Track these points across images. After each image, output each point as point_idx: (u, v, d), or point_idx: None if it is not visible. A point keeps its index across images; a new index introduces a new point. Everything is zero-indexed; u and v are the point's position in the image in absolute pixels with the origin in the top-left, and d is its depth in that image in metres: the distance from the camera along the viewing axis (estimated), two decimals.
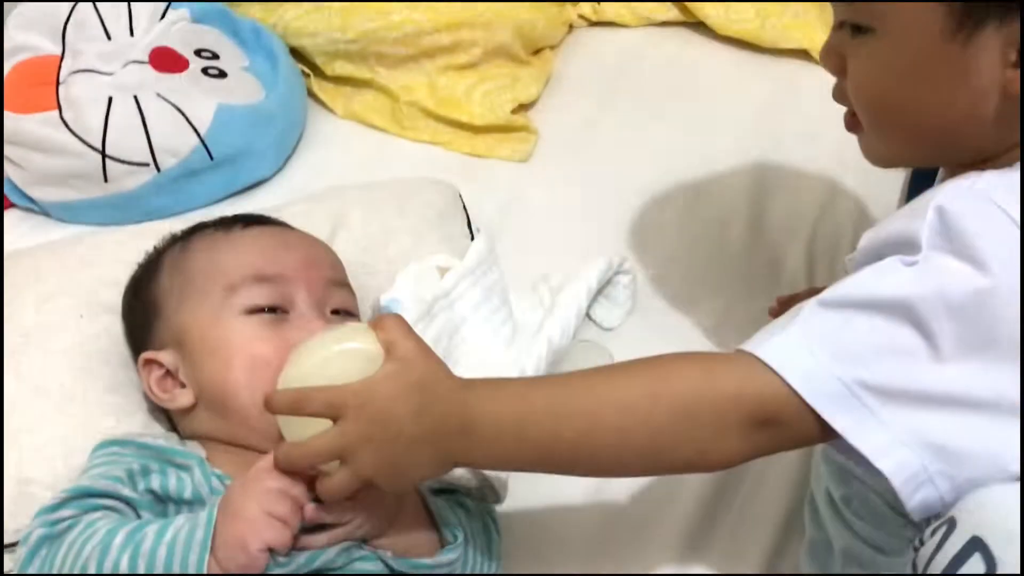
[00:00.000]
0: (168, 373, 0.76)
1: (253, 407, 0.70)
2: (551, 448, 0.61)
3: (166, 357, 0.76)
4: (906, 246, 0.57)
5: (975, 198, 0.57)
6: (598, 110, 1.21)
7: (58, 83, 1.05)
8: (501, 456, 0.62)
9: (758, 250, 1.04)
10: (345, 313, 0.78)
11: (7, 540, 0.74)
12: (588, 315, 0.94)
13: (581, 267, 0.95)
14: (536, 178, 1.13)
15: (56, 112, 1.02)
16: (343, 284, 0.81)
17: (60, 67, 1.07)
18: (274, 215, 0.95)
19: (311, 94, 1.21)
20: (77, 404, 0.79)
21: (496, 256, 0.93)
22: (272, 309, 0.75)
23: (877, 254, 0.59)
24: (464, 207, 1.01)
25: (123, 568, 0.61)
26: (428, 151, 1.16)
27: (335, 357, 0.63)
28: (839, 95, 0.67)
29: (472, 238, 0.97)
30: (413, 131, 1.17)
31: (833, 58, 0.65)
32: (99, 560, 0.62)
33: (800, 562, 0.79)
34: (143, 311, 0.81)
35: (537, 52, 1.27)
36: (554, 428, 0.60)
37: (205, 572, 0.60)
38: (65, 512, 0.65)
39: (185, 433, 0.77)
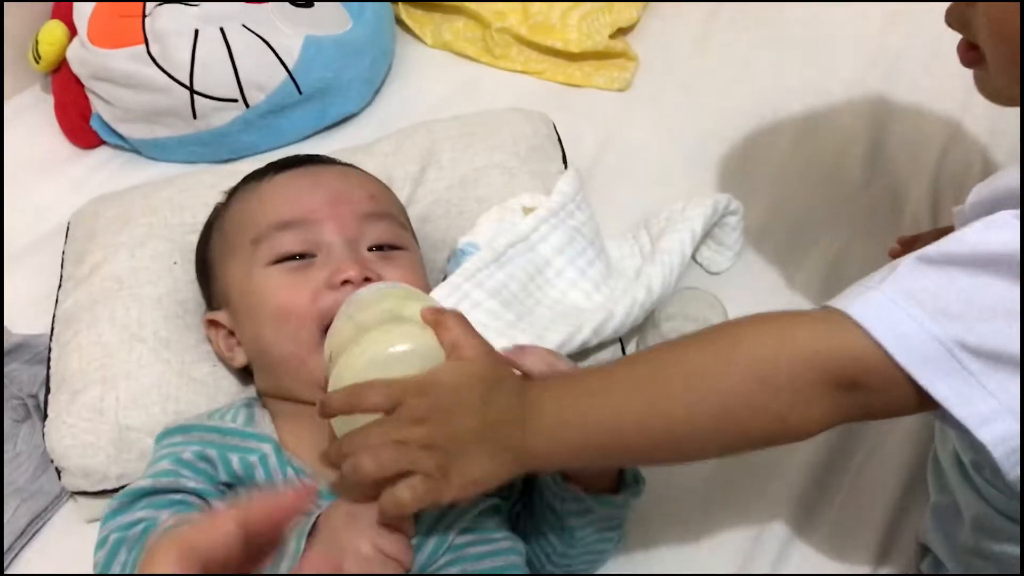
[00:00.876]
0: (231, 332, 0.75)
1: (291, 358, 0.69)
2: (618, 429, 0.56)
3: (223, 317, 0.75)
4: (1019, 201, 0.51)
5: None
6: (701, 32, 1.14)
7: (144, 15, 1.03)
8: (567, 446, 0.57)
9: (877, 184, 0.96)
10: (389, 247, 0.74)
11: (112, 485, 0.74)
12: (694, 258, 0.89)
13: (685, 207, 0.89)
14: (636, 109, 1.07)
15: (143, 47, 1.00)
16: (384, 215, 0.76)
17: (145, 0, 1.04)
18: (361, 154, 0.93)
19: (399, 22, 1.16)
20: (172, 351, 0.78)
21: (584, 195, 0.88)
22: (299, 256, 0.71)
23: (988, 209, 0.52)
24: (559, 140, 0.96)
25: None
26: (521, 81, 1.11)
27: (390, 361, 0.58)
28: (957, 20, 0.58)
29: None
30: (505, 59, 1.12)
31: None
32: None
33: (923, 528, 0.74)
34: (203, 271, 0.80)
35: None
36: (619, 406, 0.55)
37: None
38: (138, 514, 0.63)
39: (259, 390, 0.76)
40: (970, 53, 0.58)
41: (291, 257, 0.71)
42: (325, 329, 0.65)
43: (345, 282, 0.69)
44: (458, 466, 0.56)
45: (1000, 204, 0.52)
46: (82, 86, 1.04)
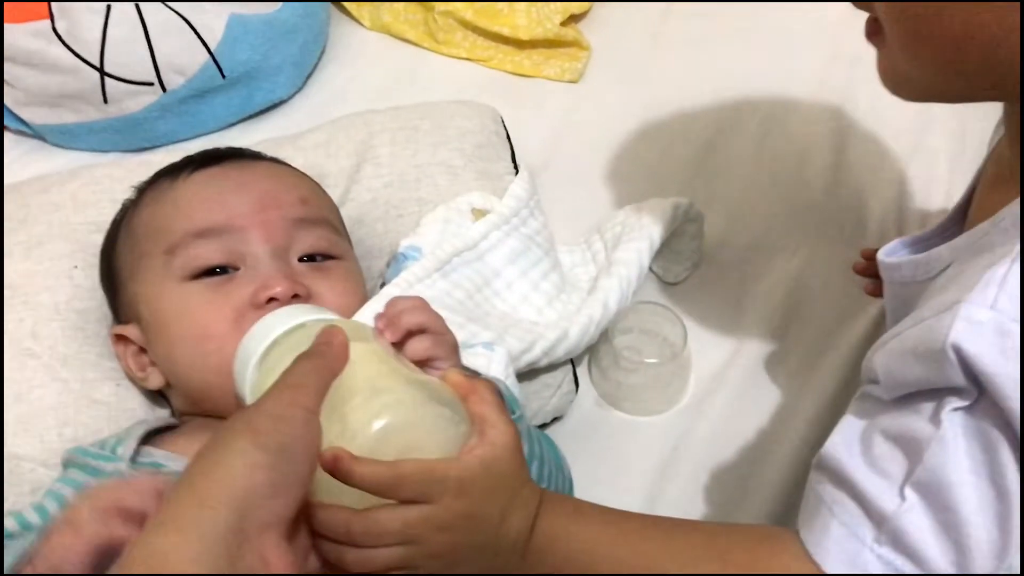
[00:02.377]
0: (142, 349, 0.67)
1: (212, 385, 0.61)
2: None
3: (132, 332, 0.67)
4: (947, 391, 0.46)
5: (996, 329, 0.44)
6: (656, 22, 1.08)
7: None
8: None
9: (841, 192, 0.92)
10: (323, 257, 0.67)
11: None
12: (650, 268, 0.83)
13: (641, 211, 0.83)
14: (587, 102, 1.01)
15: (48, 22, 0.90)
16: (318, 222, 0.68)
17: None
18: (289, 146, 0.85)
19: (334, 1, 1.08)
20: (71, 368, 0.70)
21: (539, 200, 0.82)
22: (219, 269, 0.63)
23: (905, 393, 0.49)
24: (508, 136, 0.89)
25: None
26: (466, 69, 1.04)
27: (421, 423, 0.52)
28: None
29: (516, 172, 0.85)
30: (449, 45, 1.04)
31: None
32: None
33: None
34: (108, 279, 0.71)
35: None
36: None
37: None
38: None
39: (176, 410, 0.68)
40: (873, 23, 0.52)
41: (210, 270, 0.63)
42: None
43: (271, 300, 0.61)
44: (453, 570, 0.52)
45: (917, 395, 0.47)
46: None
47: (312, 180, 0.74)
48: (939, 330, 0.45)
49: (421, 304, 0.62)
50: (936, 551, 0.45)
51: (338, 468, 0.48)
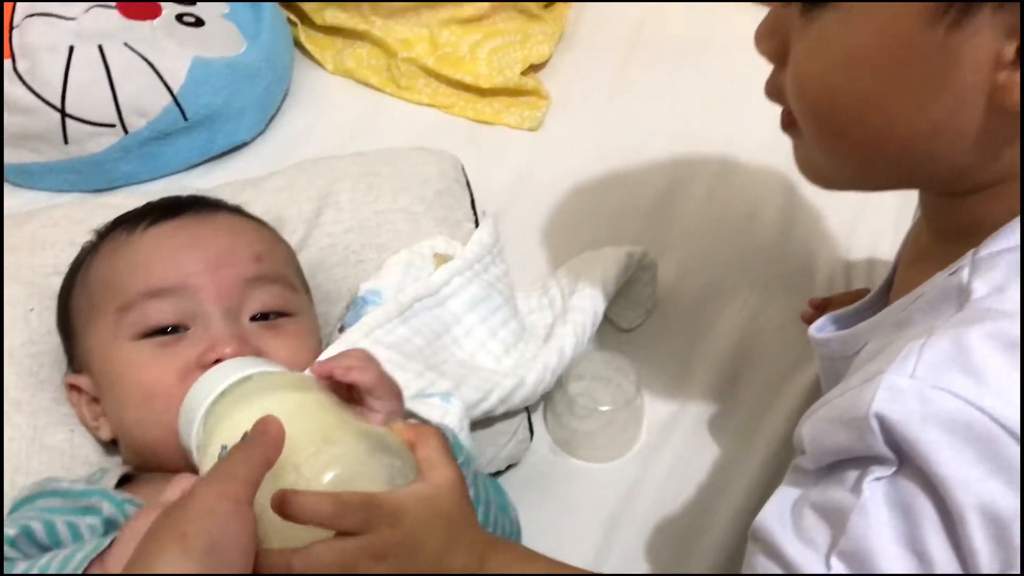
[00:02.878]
0: (95, 399, 0.67)
1: (157, 442, 0.62)
2: None
3: (85, 383, 0.68)
4: (868, 460, 0.47)
5: (917, 395, 0.44)
6: (614, 74, 1.10)
7: (11, 27, 0.93)
8: None
9: (791, 243, 0.94)
10: (277, 315, 0.67)
11: None
12: (604, 315, 0.84)
13: (597, 257, 0.85)
14: (547, 149, 1.03)
15: (9, 61, 0.91)
16: (273, 279, 0.68)
17: (14, 8, 0.94)
18: (251, 190, 0.86)
19: (298, 46, 1.09)
20: (24, 413, 0.70)
21: (502, 246, 0.83)
22: (170, 328, 0.64)
23: (830, 462, 0.49)
24: (468, 183, 0.90)
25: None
26: (427, 115, 1.05)
27: (370, 473, 0.53)
28: (773, 90, 0.54)
29: (476, 219, 0.86)
30: (411, 91, 1.06)
31: (773, 41, 0.52)
32: None
33: None
34: (64, 326, 0.71)
35: (549, 5, 1.15)
36: None
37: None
38: None
39: (125, 462, 0.68)
40: (788, 116, 0.53)
41: (161, 329, 0.64)
42: None
43: (217, 360, 0.61)
44: None
45: (844, 453, 0.48)
46: None
47: (271, 233, 0.74)
48: (862, 399, 0.46)
49: (363, 355, 0.63)
50: None
51: (284, 507, 0.49)
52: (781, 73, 0.52)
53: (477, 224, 0.86)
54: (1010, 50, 0.43)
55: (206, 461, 0.55)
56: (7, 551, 0.57)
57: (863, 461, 0.47)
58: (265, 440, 0.51)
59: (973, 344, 0.44)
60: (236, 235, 0.70)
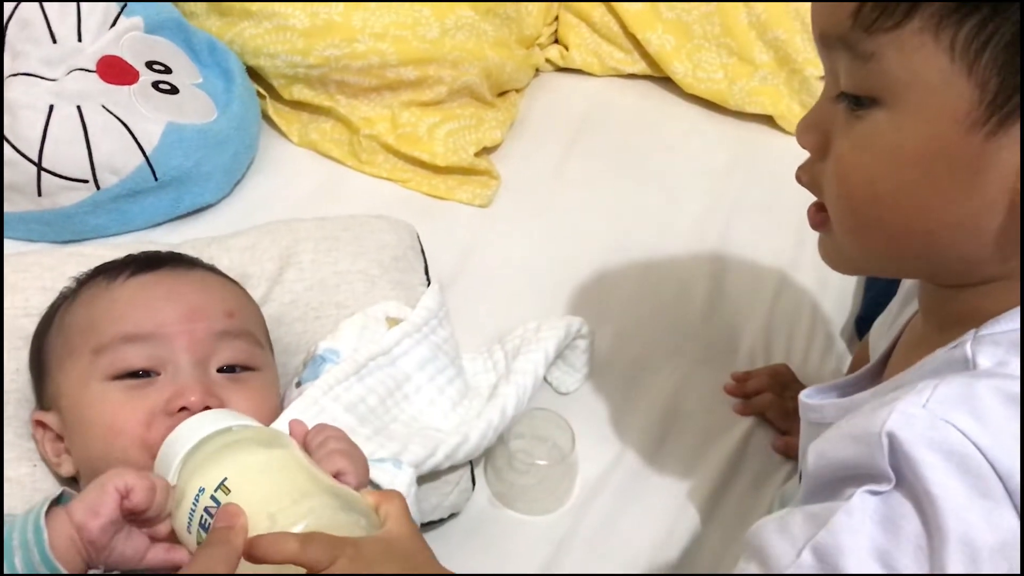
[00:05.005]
0: (60, 437, 0.71)
1: None
2: None
3: (52, 420, 0.71)
4: (868, 477, 0.50)
5: (926, 423, 0.48)
6: (561, 160, 1.19)
7: None
8: None
9: (716, 320, 1.02)
10: (243, 368, 0.71)
11: None
12: (544, 378, 0.91)
13: (539, 326, 0.91)
14: (495, 226, 1.10)
15: None
16: (240, 335, 0.73)
17: None
18: (217, 247, 0.91)
19: (266, 117, 1.16)
20: None
21: (447, 311, 0.89)
22: (141, 372, 0.68)
23: (831, 480, 0.53)
24: (423, 252, 0.97)
25: None
26: (385, 187, 1.12)
27: (338, 528, 0.56)
28: (808, 179, 0.57)
29: (429, 285, 0.93)
30: (371, 165, 1.13)
31: (815, 135, 0.55)
32: None
33: None
34: (36, 366, 0.75)
35: (503, 94, 1.24)
36: None
37: (43, 525, 0.56)
38: None
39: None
40: (819, 215, 0.57)
41: (133, 373, 0.68)
42: (153, 452, 0.63)
43: (183, 408, 0.66)
44: None
45: (845, 474, 0.51)
46: None
47: (242, 291, 0.79)
48: (877, 419, 0.49)
49: (342, 434, 0.68)
50: None
51: (252, 550, 0.53)
52: (817, 164, 0.56)
53: None
54: None
55: (184, 503, 0.58)
56: None
57: (862, 480, 0.49)
58: (231, 534, 0.54)
59: (980, 392, 0.48)
60: (210, 291, 0.74)
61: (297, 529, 0.55)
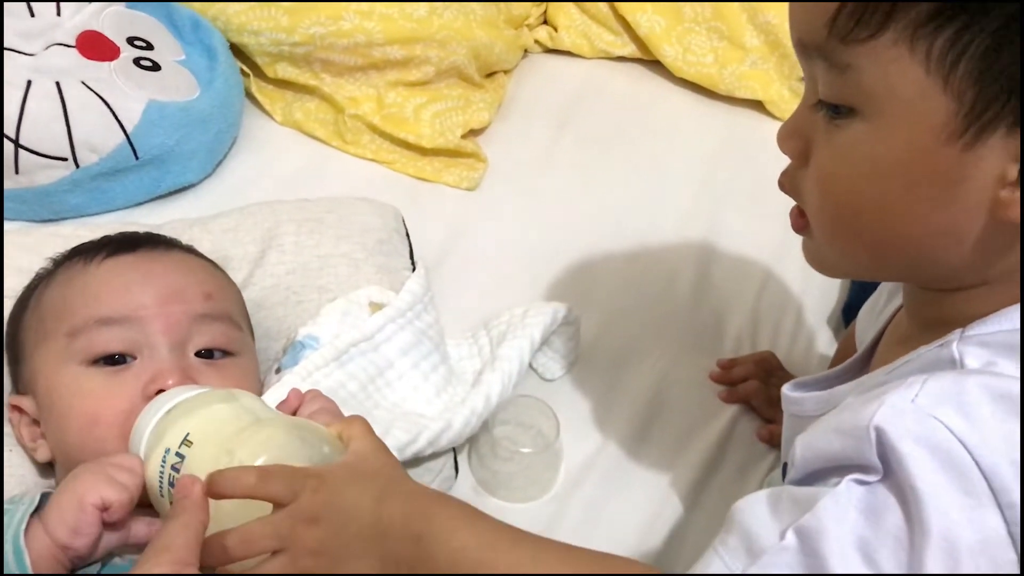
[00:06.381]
0: (35, 421, 0.70)
1: None
2: None
3: (28, 404, 0.70)
4: (856, 468, 0.50)
5: (914, 418, 0.48)
6: (548, 143, 1.18)
7: None
8: None
9: (703, 308, 1.01)
10: (221, 353, 0.70)
11: None
12: (529, 365, 0.90)
13: (525, 312, 0.90)
14: (482, 209, 1.09)
15: None
16: (219, 318, 0.72)
17: None
18: (198, 228, 0.90)
19: (249, 96, 1.14)
20: None
21: (432, 297, 0.88)
22: (117, 357, 0.67)
23: (818, 469, 0.53)
24: (407, 235, 0.95)
25: None
26: (370, 169, 1.11)
27: (299, 459, 0.56)
28: (789, 185, 0.57)
29: (413, 269, 0.92)
30: (356, 146, 1.11)
31: (796, 141, 0.55)
32: None
33: None
34: (11, 348, 0.73)
35: (490, 75, 1.22)
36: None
37: (23, 546, 0.55)
38: None
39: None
40: (801, 219, 0.57)
41: (109, 357, 0.66)
42: None
43: (160, 391, 0.65)
44: (343, 568, 0.54)
45: (832, 465, 0.51)
46: None
47: (221, 274, 0.78)
48: (865, 412, 0.49)
49: (334, 406, 0.68)
50: None
51: (212, 487, 0.53)
52: (799, 170, 0.56)
53: None
54: (1013, 171, 0.48)
55: (151, 468, 0.59)
56: None
57: (851, 471, 0.49)
58: (190, 504, 0.54)
59: (969, 389, 0.48)
60: (188, 273, 0.73)
61: (258, 463, 0.55)
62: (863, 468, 0.49)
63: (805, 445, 0.53)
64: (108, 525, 0.57)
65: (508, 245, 1.05)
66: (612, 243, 1.06)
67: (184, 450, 0.57)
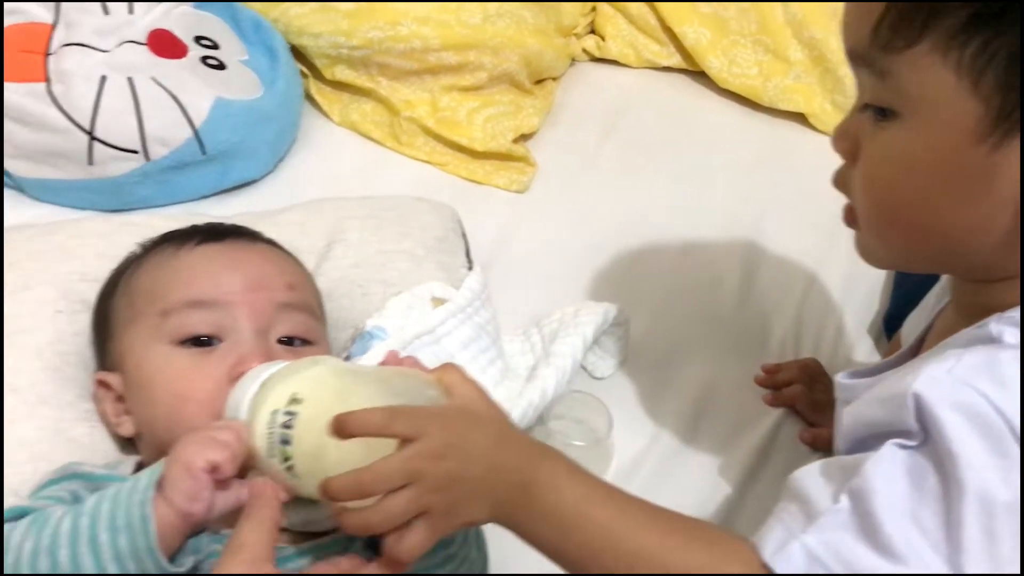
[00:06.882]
0: (121, 398, 0.72)
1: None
2: (585, 564, 0.58)
3: (115, 380, 0.72)
4: (897, 434, 0.54)
5: (950, 386, 0.52)
6: (595, 149, 1.21)
7: (47, 53, 1.00)
8: (542, 537, 0.58)
9: (747, 313, 1.04)
10: (301, 341, 0.73)
11: None
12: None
13: (577, 311, 0.93)
14: (531, 212, 1.12)
15: (44, 84, 0.97)
16: (300, 308, 0.74)
17: (51, 37, 1.01)
18: (267, 221, 0.92)
19: (307, 96, 1.17)
20: (49, 406, 0.74)
21: (489, 294, 0.91)
22: (204, 338, 0.70)
23: (864, 437, 0.57)
24: (464, 234, 0.99)
25: (63, 531, 0.58)
26: (423, 170, 1.14)
27: (408, 393, 0.59)
28: (841, 183, 0.63)
29: (470, 267, 0.95)
30: (410, 148, 1.15)
31: (847, 142, 0.61)
32: (37, 533, 0.59)
33: None
34: (100, 327, 0.77)
35: (539, 82, 1.25)
36: (597, 550, 0.57)
37: (151, 512, 0.57)
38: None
39: (143, 462, 0.72)
40: (851, 214, 0.62)
41: (196, 339, 0.69)
42: (218, 418, 0.65)
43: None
44: (461, 508, 0.57)
45: (876, 432, 0.55)
46: None
47: (301, 266, 0.80)
48: (905, 382, 0.54)
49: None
50: (859, 552, 0.51)
51: (340, 427, 0.56)
52: (851, 169, 0.61)
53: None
54: None
55: (259, 431, 0.61)
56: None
57: (891, 435, 0.53)
58: (263, 502, 0.57)
59: (1003, 360, 0.53)
60: (272, 263, 0.76)
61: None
62: (904, 433, 0.53)
63: (851, 415, 0.58)
64: (219, 485, 0.59)
65: (556, 246, 1.08)
66: (657, 247, 1.09)
67: (294, 407, 0.59)
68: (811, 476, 0.56)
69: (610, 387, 0.95)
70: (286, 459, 0.59)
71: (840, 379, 0.69)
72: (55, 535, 0.58)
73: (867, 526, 0.52)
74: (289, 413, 0.60)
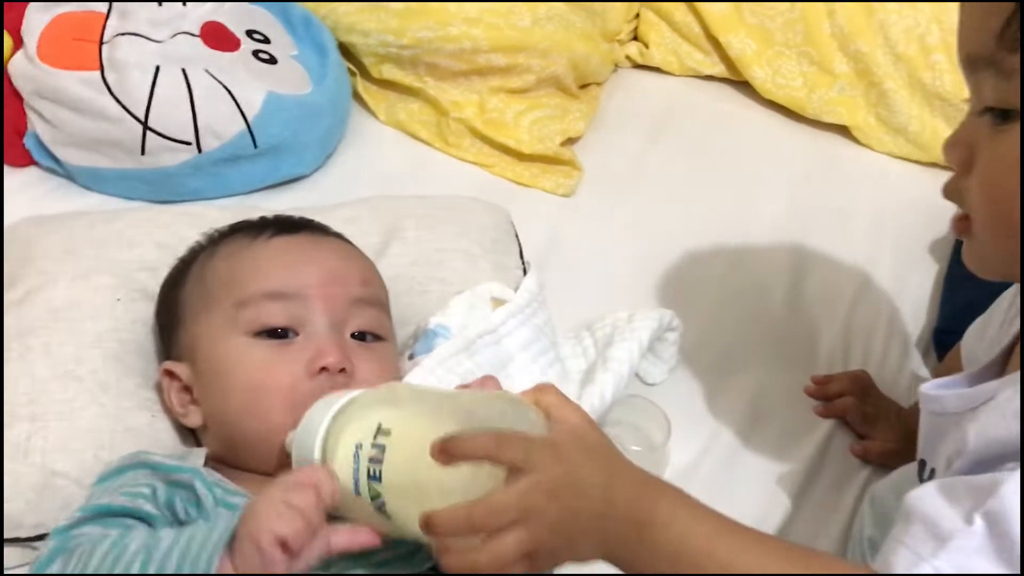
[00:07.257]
0: (187, 388, 0.72)
1: (256, 436, 0.67)
2: None
3: (183, 370, 0.72)
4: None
5: None
6: (640, 155, 1.20)
7: (101, 42, 0.99)
8: (658, 572, 0.55)
9: (796, 323, 1.03)
10: (373, 337, 0.72)
11: (27, 534, 0.68)
12: None
13: (631, 316, 0.93)
14: (577, 215, 1.11)
15: (98, 73, 0.97)
16: (373, 303, 0.74)
17: (105, 26, 1.01)
18: (320, 216, 0.91)
19: (353, 95, 1.17)
20: (110, 395, 0.74)
21: (545, 296, 0.91)
22: (280, 331, 0.69)
23: (995, 455, 0.55)
24: (516, 235, 0.98)
25: (135, 569, 0.56)
26: (470, 171, 1.13)
27: (517, 425, 0.55)
28: (953, 192, 0.61)
29: (523, 269, 0.94)
30: (458, 148, 1.14)
31: (961, 150, 0.59)
32: (112, 563, 0.56)
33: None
34: (168, 316, 0.76)
35: (584, 87, 1.25)
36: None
37: (215, 572, 0.54)
38: (85, 529, 0.60)
39: (209, 454, 0.71)
40: (962, 223, 0.61)
41: (272, 330, 0.69)
42: (294, 412, 0.63)
43: (323, 369, 0.67)
44: (570, 547, 0.55)
45: (1000, 457, 0.54)
46: (21, 101, 0.99)
47: (372, 262, 0.80)
48: None
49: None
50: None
51: (443, 452, 0.52)
52: (963, 179, 0.59)
53: (525, 272, 0.93)
54: None
55: (343, 468, 0.57)
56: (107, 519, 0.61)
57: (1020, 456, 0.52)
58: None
59: None
60: (347, 259, 0.76)
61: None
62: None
63: (978, 433, 0.56)
64: (295, 553, 0.54)
65: (601, 250, 1.08)
66: (705, 255, 1.08)
67: (382, 439, 0.55)
68: (932, 497, 0.54)
69: (662, 393, 0.94)
70: (374, 497, 0.55)
71: (926, 390, 0.68)
72: (126, 567, 0.56)
73: (1004, 549, 0.50)
74: (377, 446, 0.55)
